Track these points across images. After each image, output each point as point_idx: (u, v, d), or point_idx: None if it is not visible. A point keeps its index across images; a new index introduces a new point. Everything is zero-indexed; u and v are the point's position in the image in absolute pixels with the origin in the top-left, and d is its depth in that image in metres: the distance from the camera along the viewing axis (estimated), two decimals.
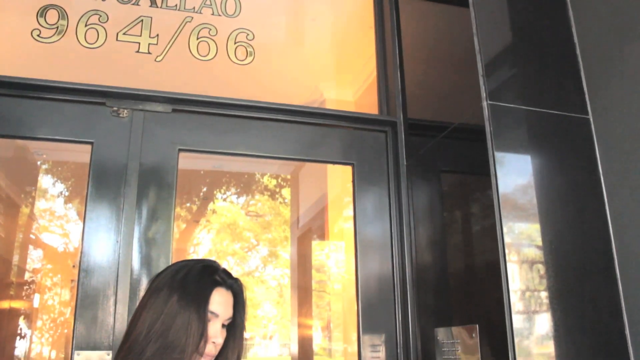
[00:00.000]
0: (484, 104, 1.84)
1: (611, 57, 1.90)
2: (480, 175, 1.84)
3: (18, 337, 4.80)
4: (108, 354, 1.88)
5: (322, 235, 4.74)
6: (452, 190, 2.16)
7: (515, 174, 1.79)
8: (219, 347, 1.39)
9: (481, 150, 1.81)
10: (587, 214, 1.83)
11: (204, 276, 1.37)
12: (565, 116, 1.92)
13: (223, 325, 1.40)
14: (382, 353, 2.20)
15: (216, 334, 1.36)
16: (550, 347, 1.64)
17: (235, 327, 1.44)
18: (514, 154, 1.83)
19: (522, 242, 1.71)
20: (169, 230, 2.06)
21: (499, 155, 1.78)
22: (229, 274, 1.44)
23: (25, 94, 2.05)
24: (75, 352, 1.87)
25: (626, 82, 1.83)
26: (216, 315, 1.37)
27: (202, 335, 1.31)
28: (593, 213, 1.84)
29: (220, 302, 1.38)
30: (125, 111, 2.13)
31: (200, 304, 1.32)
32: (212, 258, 1.61)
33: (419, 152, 2.27)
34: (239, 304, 1.44)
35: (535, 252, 1.71)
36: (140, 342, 1.29)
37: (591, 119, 1.94)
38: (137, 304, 1.42)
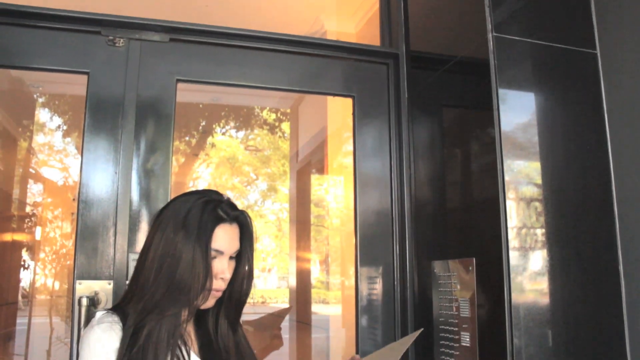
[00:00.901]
0: (489, 36, 1.79)
1: None
2: (483, 111, 1.81)
3: (22, 269, 4.89)
4: (109, 284, 1.91)
5: (322, 170, 4.75)
6: (453, 125, 2.14)
7: (518, 110, 1.77)
8: (227, 281, 1.39)
9: (484, 84, 1.78)
10: (589, 152, 1.82)
11: (205, 213, 1.34)
12: (572, 50, 1.87)
13: (231, 257, 1.39)
14: (379, 285, 2.24)
15: (223, 270, 1.36)
16: (545, 283, 1.66)
17: (243, 257, 1.43)
18: (517, 89, 1.80)
19: (521, 180, 1.71)
20: (168, 161, 2.05)
21: (502, 90, 1.75)
22: (233, 206, 1.41)
23: (19, 21, 1.99)
24: (77, 282, 1.90)
25: (639, 17, 1.78)
26: (221, 252, 1.36)
27: (207, 274, 1.31)
28: (594, 151, 1.82)
29: (224, 237, 1.36)
30: (122, 40, 2.08)
31: (203, 243, 1.31)
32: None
33: (421, 85, 2.23)
34: (245, 234, 1.43)
35: (534, 190, 1.71)
36: (150, 286, 1.30)
37: (599, 55, 1.90)
38: (139, 236, 1.42)
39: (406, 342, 1.43)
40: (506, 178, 1.68)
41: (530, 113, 1.79)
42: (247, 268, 1.43)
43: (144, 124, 2.05)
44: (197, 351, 1.41)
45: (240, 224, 1.42)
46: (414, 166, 2.25)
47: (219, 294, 1.40)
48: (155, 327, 1.28)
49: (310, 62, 2.32)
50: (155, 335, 1.28)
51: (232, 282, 1.42)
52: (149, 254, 1.33)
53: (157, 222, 1.37)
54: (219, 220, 1.36)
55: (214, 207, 1.36)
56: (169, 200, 1.50)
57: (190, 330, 1.44)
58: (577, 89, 1.87)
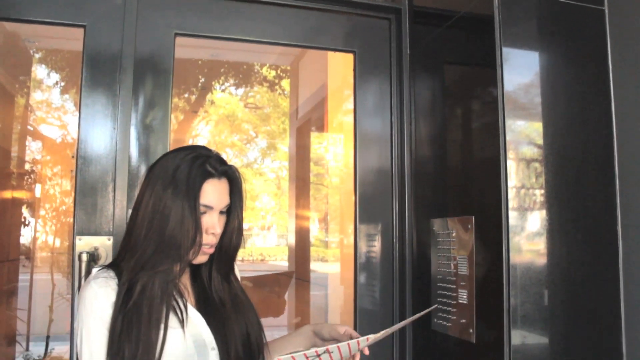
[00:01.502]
0: None
1: None
2: (485, 69, 1.79)
3: (22, 226, 4.91)
4: (109, 239, 1.91)
5: (321, 128, 4.72)
6: (455, 83, 2.11)
7: (521, 69, 1.74)
8: (218, 235, 1.41)
9: (488, 41, 1.75)
10: (591, 113, 1.80)
11: (193, 169, 1.34)
12: (579, 6, 1.83)
13: (221, 212, 1.41)
14: (377, 242, 2.25)
15: (213, 225, 1.37)
16: (543, 243, 1.67)
17: (233, 212, 1.44)
18: (521, 47, 1.76)
19: (522, 140, 1.69)
20: (167, 117, 2.03)
21: (506, 48, 1.71)
22: (221, 161, 1.41)
23: None
24: (77, 238, 1.91)
25: None
26: (210, 208, 1.37)
27: (197, 229, 1.33)
28: (597, 112, 1.80)
29: (212, 192, 1.36)
30: None
31: (192, 199, 1.32)
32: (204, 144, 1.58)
33: (423, 41, 2.19)
34: (234, 189, 1.44)
35: (535, 150, 1.70)
36: (142, 243, 1.33)
37: (606, 11, 1.85)
38: (136, 192, 1.42)
39: (417, 316, 1.45)
40: (507, 138, 1.67)
41: (533, 72, 1.76)
42: (237, 222, 1.45)
43: (142, 79, 2.02)
44: (194, 303, 1.44)
45: (229, 179, 1.43)
46: (415, 124, 2.23)
47: (211, 250, 1.41)
48: (148, 283, 1.31)
49: (311, 16, 2.27)
50: (148, 291, 1.31)
51: (222, 237, 1.43)
52: (140, 211, 1.35)
53: (147, 179, 1.39)
54: (208, 176, 1.36)
55: (202, 163, 1.36)
56: None
57: (186, 283, 1.47)
58: (582, 47, 1.84)
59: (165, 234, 1.31)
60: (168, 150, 1.98)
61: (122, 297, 1.29)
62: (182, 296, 1.38)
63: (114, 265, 1.38)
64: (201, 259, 1.41)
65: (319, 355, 1.08)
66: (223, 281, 1.49)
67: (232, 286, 1.50)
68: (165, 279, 1.33)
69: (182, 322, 1.34)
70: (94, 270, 1.38)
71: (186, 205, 1.31)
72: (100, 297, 1.30)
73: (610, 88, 1.82)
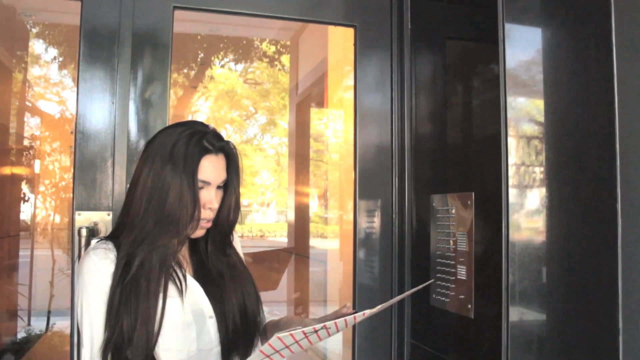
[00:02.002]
0: None
1: None
2: (487, 45, 1.77)
3: (22, 202, 4.92)
4: (108, 214, 1.92)
5: (321, 103, 4.70)
6: (457, 58, 2.09)
7: (523, 45, 1.72)
8: (216, 210, 1.43)
9: (490, 15, 1.73)
10: (593, 90, 1.78)
11: (191, 145, 1.36)
12: None
13: (219, 187, 1.42)
14: (377, 218, 2.25)
15: (210, 200, 1.39)
16: (543, 220, 1.67)
17: (230, 187, 1.46)
18: (524, 23, 1.74)
19: (523, 117, 1.68)
20: (165, 92, 2.01)
21: (508, 24, 1.69)
22: (218, 137, 1.43)
23: None
24: (76, 213, 1.91)
25: None
26: (208, 183, 1.39)
27: (195, 205, 1.35)
28: (600, 89, 1.79)
29: (210, 168, 1.38)
30: None
31: (190, 175, 1.34)
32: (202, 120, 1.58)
33: (425, 16, 2.17)
34: (231, 164, 1.45)
35: (536, 128, 1.69)
36: (141, 219, 1.35)
37: None
38: (134, 167, 1.43)
39: (413, 290, 1.46)
40: (508, 115, 1.66)
41: (535, 49, 1.74)
42: (234, 197, 1.46)
43: (140, 54, 2.00)
44: (192, 273, 1.47)
45: (226, 154, 1.44)
46: (415, 100, 2.22)
47: (209, 224, 1.44)
48: (146, 257, 1.34)
49: None
50: (147, 265, 1.33)
51: (219, 211, 1.46)
52: (138, 187, 1.37)
53: (145, 154, 1.40)
54: (205, 152, 1.38)
55: (199, 139, 1.37)
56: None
57: (185, 254, 1.50)
58: (585, 23, 1.81)
59: (165, 210, 1.33)
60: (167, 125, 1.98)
61: (120, 271, 1.31)
62: (180, 267, 1.40)
63: (113, 238, 1.40)
64: (199, 232, 1.43)
65: (316, 331, 1.09)
66: (220, 254, 1.51)
67: (230, 259, 1.52)
68: (164, 252, 1.35)
69: (180, 291, 1.37)
70: (93, 242, 1.40)
71: (184, 181, 1.33)
72: (99, 268, 1.32)
73: (613, 65, 1.80)
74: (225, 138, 1.45)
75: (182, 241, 1.44)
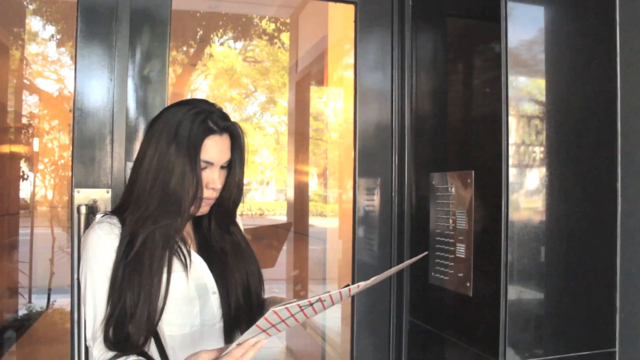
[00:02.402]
0: None
1: None
2: (489, 23, 1.75)
3: (21, 180, 4.92)
4: (107, 192, 1.91)
5: (321, 82, 4.68)
6: (458, 37, 2.07)
7: (525, 23, 1.70)
8: (219, 190, 1.43)
9: None
10: (595, 69, 1.77)
11: (195, 125, 1.35)
12: None
13: (222, 167, 1.42)
14: (376, 197, 2.25)
15: (213, 180, 1.39)
16: (542, 199, 1.66)
17: (234, 167, 1.46)
18: (527, 1, 1.72)
19: (524, 96, 1.67)
20: (164, 69, 2.00)
21: (511, 1, 1.67)
22: (224, 117, 1.42)
23: None
24: (76, 190, 1.91)
25: None
26: (211, 163, 1.38)
27: (198, 184, 1.35)
28: (601, 68, 1.77)
29: (214, 148, 1.38)
30: None
31: (193, 154, 1.34)
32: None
33: None
34: (236, 144, 1.45)
35: (537, 107, 1.68)
36: (146, 197, 1.35)
37: None
38: (136, 145, 1.42)
39: (407, 263, 1.46)
40: (509, 94, 1.65)
41: (537, 28, 1.72)
42: (237, 178, 1.47)
43: (139, 30, 1.98)
44: (196, 250, 1.48)
45: (230, 135, 1.43)
46: (416, 78, 2.20)
47: (212, 202, 1.44)
48: (150, 235, 1.34)
49: None
50: (150, 242, 1.33)
51: (222, 191, 1.46)
52: (143, 166, 1.36)
53: (150, 134, 1.39)
54: (209, 132, 1.37)
55: (204, 119, 1.37)
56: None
57: (189, 230, 1.51)
58: (588, 2, 1.79)
59: (169, 190, 1.33)
60: (166, 103, 1.97)
61: (123, 248, 1.32)
62: (185, 243, 1.41)
63: (117, 213, 1.40)
64: (203, 210, 1.43)
65: (312, 304, 1.10)
66: (224, 233, 1.52)
67: (234, 237, 1.53)
68: (167, 231, 1.35)
69: (185, 266, 1.38)
70: (98, 216, 1.40)
71: (187, 161, 1.33)
72: (104, 242, 1.33)
73: (616, 44, 1.79)
74: (223, 111, 1.44)
75: (186, 220, 1.44)
